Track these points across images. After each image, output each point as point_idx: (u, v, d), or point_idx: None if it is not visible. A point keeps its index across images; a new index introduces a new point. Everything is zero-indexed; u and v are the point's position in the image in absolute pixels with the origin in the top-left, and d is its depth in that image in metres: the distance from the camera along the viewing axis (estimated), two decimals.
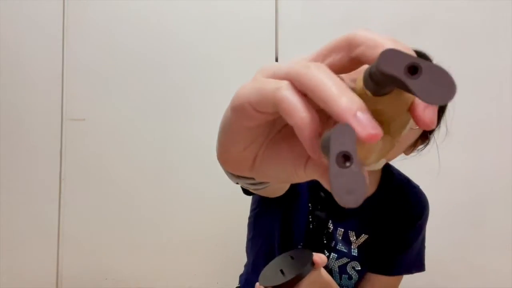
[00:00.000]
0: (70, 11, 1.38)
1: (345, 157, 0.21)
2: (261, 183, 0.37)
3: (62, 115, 1.37)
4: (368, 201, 0.85)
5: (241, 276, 1.02)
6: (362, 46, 0.24)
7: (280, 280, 0.63)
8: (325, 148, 0.22)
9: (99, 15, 1.37)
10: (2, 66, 1.38)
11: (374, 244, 0.85)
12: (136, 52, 1.37)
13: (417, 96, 0.21)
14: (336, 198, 0.22)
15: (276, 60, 1.34)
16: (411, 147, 0.82)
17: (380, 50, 0.22)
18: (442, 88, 0.21)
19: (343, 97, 0.22)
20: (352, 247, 0.85)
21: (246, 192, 0.73)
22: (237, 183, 0.38)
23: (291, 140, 0.28)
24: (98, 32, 1.37)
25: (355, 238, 0.86)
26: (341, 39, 0.25)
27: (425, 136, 0.82)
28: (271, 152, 0.29)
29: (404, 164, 1.26)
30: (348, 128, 0.21)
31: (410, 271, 0.89)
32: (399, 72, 0.21)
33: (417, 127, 0.31)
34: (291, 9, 1.34)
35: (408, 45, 0.25)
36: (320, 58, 0.25)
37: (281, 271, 0.66)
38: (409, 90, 0.21)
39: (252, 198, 0.94)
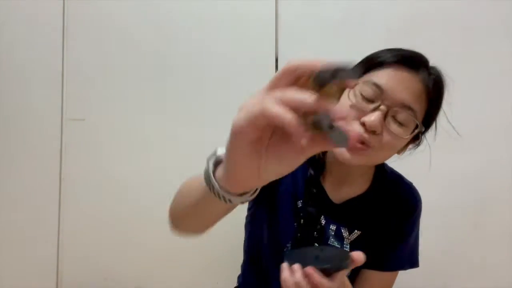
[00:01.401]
0: (70, 11, 1.38)
1: (331, 126, 0.36)
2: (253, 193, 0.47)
3: (62, 115, 1.37)
4: (361, 198, 0.86)
5: (239, 277, 1.03)
6: (299, 69, 0.37)
7: (324, 264, 0.61)
8: (316, 125, 0.36)
9: (99, 15, 1.37)
10: (2, 66, 1.38)
11: (366, 240, 0.85)
12: (136, 52, 1.37)
13: (329, 139, 0.37)
14: (337, 147, 0.42)
15: (276, 60, 1.33)
16: (403, 148, 0.83)
17: (310, 67, 0.36)
18: (343, 141, 0.37)
19: (314, 96, 0.35)
20: (345, 242, 0.86)
21: None
22: (230, 201, 0.46)
23: (284, 140, 0.39)
24: (98, 32, 1.37)
25: (347, 234, 0.86)
26: (283, 70, 0.37)
27: (416, 137, 0.82)
28: (272, 154, 0.40)
29: (404, 165, 1.26)
30: (325, 113, 0.36)
31: (403, 267, 0.89)
32: (326, 123, 0.36)
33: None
34: (291, 9, 1.34)
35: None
36: (277, 84, 0.37)
37: (317, 257, 0.64)
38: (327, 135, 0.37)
39: None
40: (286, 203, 0.86)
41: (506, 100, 1.32)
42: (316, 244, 0.85)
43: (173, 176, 1.35)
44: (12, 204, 1.37)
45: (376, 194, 0.87)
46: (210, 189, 0.47)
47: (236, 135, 0.37)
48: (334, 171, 0.85)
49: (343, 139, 0.37)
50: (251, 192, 0.47)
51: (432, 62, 0.82)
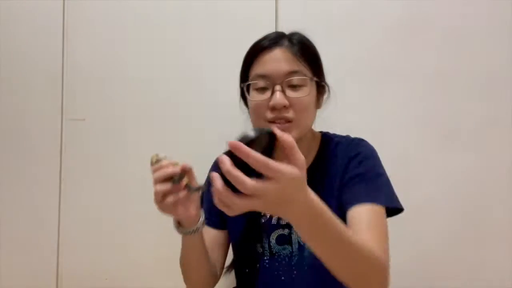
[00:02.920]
0: (70, 11, 1.38)
1: (180, 179, 0.75)
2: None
3: (62, 115, 1.37)
4: (312, 165, 0.91)
5: None
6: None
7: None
8: (174, 181, 0.74)
9: (99, 15, 1.37)
10: (2, 66, 1.38)
11: (327, 200, 0.86)
12: (136, 52, 1.37)
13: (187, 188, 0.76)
14: (194, 191, 0.77)
15: None
16: (317, 103, 0.92)
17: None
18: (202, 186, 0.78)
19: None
20: None
21: None
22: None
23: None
24: (98, 32, 1.37)
25: None
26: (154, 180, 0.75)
27: (321, 89, 0.92)
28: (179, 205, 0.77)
29: (404, 165, 1.26)
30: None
31: (375, 200, 0.81)
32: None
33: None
34: (291, 9, 1.34)
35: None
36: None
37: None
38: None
39: None
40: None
41: (506, 100, 1.32)
42: (280, 229, 0.92)
43: None
44: (12, 204, 1.37)
45: (324, 158, 0.92)
46: (179, 233, 0.84)
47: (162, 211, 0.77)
48: (281, 156, 0.85)
49: (201, 187, 0.75)
50: (200, 222, 0.82)
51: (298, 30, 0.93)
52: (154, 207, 1.36)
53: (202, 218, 0.81)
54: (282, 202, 0.50)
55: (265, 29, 1.35)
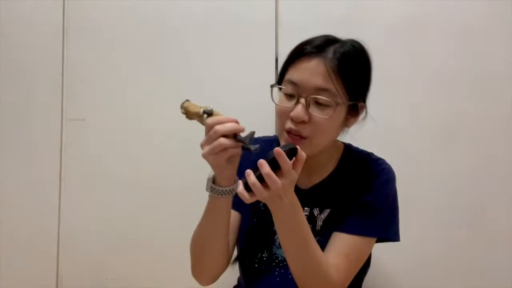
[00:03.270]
0: (70, 11, 1.38)
1: (250, 137, 0.73)
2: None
3: (62, 115, 1.37)
4: (328, 179, 0.92)
5: (239, 277, 1.04)
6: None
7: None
8: (238, 140, 0.72)
9: (99, 15, 1.37)
10: (2, 66, 1.38)
11: (338, 216, 0.89)
12: (136, 52, 1.37)
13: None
14: (249, 149, 0.72)
15: (276, 60, 1.33)
16: (346, 122, 0.87)
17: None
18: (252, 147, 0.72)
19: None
20: (318, 223, 0.90)
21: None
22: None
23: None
24: (98, 32, 1.37)
25: (319, 213, 0.91)
26: (212, 133, 0.73)
27: (354, 111, 0.87)
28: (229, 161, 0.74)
29: (404, 165, 1.26)
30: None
31: (367, 232, 0.87)
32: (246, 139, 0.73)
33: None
34: (291, 9, 1.34)
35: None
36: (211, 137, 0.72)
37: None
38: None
39: None
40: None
41: (507, 100, 1.32)
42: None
43: (173, 176, 1.36)
44: (12, 204, 1.37)
45: (343, 173, 0.92)
46: (213, 193, 0.78)
47: (211, 164, 0.75)
48: None
49: (253, 146, 0.70)
50: (236, 184, 0.77)
51: (351, 37, 0.89)
52: (154, 207, 1.36)
53: (238, 181, 0.78)
54: (281, 195, 0.69)
55: (265, 29, 1.36)
